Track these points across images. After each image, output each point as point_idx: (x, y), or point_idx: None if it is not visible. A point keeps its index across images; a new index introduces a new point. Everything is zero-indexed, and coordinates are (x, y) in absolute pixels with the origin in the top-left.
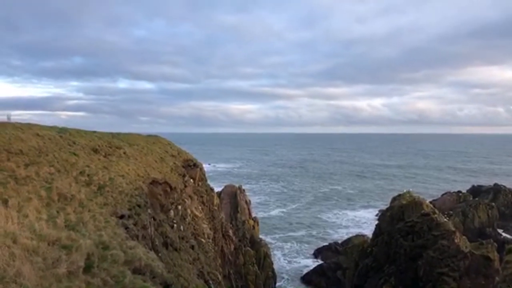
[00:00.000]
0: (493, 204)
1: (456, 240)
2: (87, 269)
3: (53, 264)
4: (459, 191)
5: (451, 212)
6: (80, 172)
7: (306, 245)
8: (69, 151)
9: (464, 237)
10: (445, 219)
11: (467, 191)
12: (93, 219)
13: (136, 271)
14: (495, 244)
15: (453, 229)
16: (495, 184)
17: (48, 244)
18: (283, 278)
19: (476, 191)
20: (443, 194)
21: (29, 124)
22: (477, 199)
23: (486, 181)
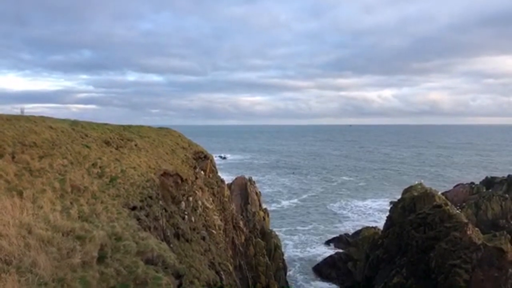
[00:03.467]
0: (507, 195)
1: (468, 232)
2: (101, 259)
3: (67, 254)
4: (472, 183)
5: (463, 204)
6: (93, 164)
7: (316, 237)
8: (81, 144)
9: (477, 229)
10: (457, 211)
11: (480, 182)
12: (106, 211)
13: (148, 262)
14: (508, 235)
15: (466, 220)
16: (509, 176)
17: (63, 235)
18: (294, 267)
19: (489, 182)
20: (455, 186)
21: (42, 117)
22: (490, 190)
23: (500, 173)
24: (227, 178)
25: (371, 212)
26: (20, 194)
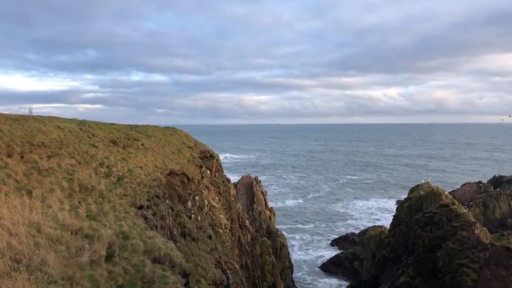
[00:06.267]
0: None
1: (476, 231)
2: (109, 258)
3: (76, 253)
4: (480, 182)
5: (471, 203)
6: (100, 164)
7: (322, 236)
8: (88, 143)
9: (484, 228)
10: (465, 210)
11: (488, 181)
12: (113, 210)
13: (155, 260)
14: None
15: (473, 220)
16: None
17: (71, 234)
18: (301, 268)
19: (497, 181)
20: (463, 185)
21: (50, 117)
22: (498, 189)
23: (508, 172)
24: (233, 177)
25: (378, 211)
26: (29, 193)
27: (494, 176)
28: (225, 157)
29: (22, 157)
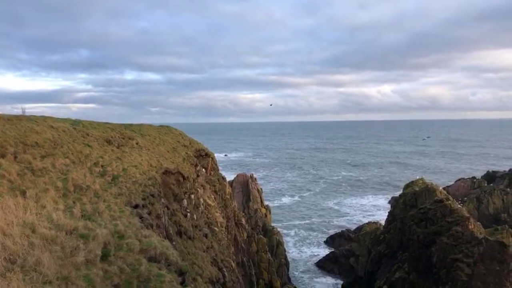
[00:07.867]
0: (508, 190)
1: (470, 226)
2: (104, 257)
3: (71, 253)
4: (473, 177)
5: (465, 198)
6: (94, 163)
7: (318, 232)
8: (83, 143)
9: (478, 223)
10: (459, 205)
11: (482, 177)
12: (108, 209)
13: (151, 259)
14: (510, 229)
15: (467, 215)
16: (510, 170)
17: (66, 234)
18: (297, 265)
19: (491, 177)
20: (457, 181)
21: (43, 116)
22: (492, 185)
23: (501, 167)
24: (229, 175)
25: (373, 207)
26: (23, 193)
27: (488, 172)
28: (221, 156)
29: (15, 157)
